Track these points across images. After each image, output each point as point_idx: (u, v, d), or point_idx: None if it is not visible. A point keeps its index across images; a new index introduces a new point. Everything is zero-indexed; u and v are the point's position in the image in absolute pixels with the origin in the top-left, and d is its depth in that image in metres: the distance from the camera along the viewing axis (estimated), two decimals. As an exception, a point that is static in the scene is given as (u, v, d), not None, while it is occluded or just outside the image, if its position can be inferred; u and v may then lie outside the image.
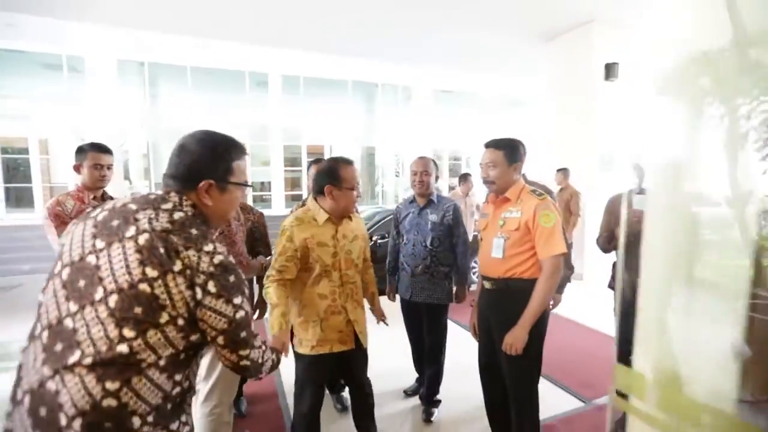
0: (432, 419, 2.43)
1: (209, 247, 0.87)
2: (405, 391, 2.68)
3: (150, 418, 0.81)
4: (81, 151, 2.10)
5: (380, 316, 2.18)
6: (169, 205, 0.90)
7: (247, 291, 0.95)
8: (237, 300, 0.89)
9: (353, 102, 10.18)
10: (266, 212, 2.57)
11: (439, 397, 2.52)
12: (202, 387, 1.88)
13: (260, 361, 0.98)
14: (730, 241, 0.66)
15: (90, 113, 7.36)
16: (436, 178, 2.49)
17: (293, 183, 10.30)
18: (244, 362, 0.95)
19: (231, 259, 0.91)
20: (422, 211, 2.51)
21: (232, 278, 0.89)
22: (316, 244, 1.83)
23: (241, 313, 0.91)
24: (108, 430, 0.76)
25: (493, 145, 1.90)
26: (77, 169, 2.10)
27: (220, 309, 0.86)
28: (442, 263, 2.45)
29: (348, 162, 1.83)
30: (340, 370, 2.06)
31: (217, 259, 0.87)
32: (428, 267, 2.46)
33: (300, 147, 9.97)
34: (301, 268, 1.85)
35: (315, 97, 9.66)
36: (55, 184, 8.45)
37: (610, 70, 5.56)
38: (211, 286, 0.85)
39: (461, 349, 2.66)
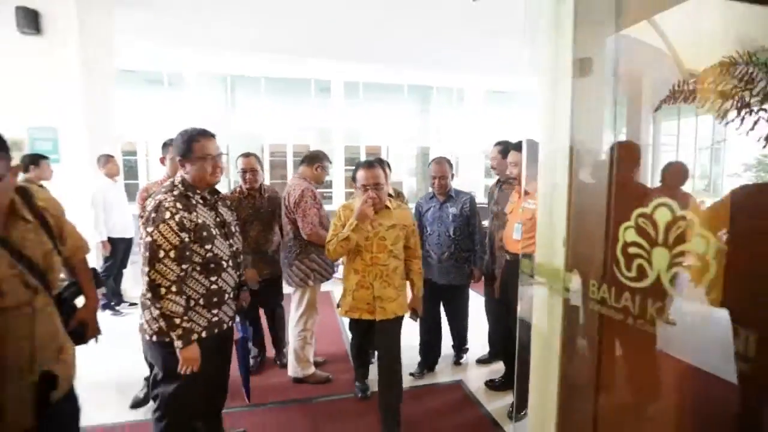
0: (461, 362, 3.24)
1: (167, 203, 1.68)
2: (411, 374, 3.04)
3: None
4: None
5: (411, 307, 2.40)
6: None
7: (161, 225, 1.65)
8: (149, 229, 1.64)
9: (409, 104, 10.71)
10: (327, 207, 3.01)
11: (467, 346, 3.25)
12: (294, 315, 2.72)
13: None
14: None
15: (186, 120, 8.63)
16: (452, 176, 2.92)
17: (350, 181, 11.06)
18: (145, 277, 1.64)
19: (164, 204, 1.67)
20: (443, 206, 2.88)
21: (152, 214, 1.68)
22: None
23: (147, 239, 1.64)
24: None
25: (516, 148, 2.44)
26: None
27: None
28: (463, 249, 2.88)
29: (361, 165, 2.26)
30: (370, 338, 2.44)
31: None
32: (452, 254, 2.86)
33: (359, 147, 10.72)
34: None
35: (373, 101, 10.32)
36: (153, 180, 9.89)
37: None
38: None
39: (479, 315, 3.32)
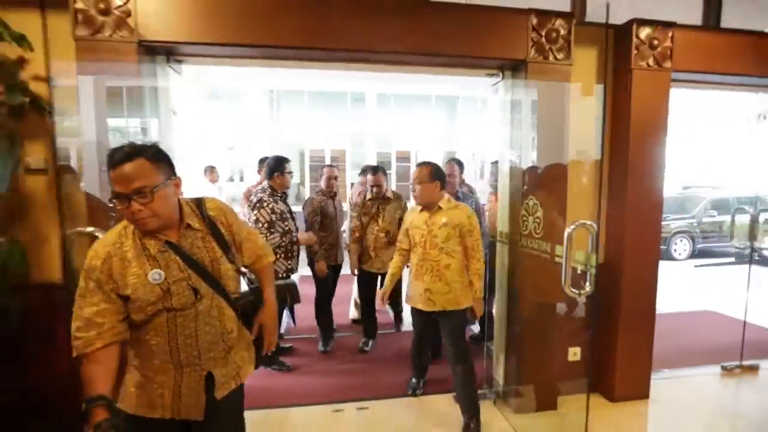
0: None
1: None
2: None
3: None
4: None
5: (471, 310, 2.42)
6: None
7: None
8: None
9: (436, 112, 11.58)
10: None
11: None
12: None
13: None
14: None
15: (242, 129, 9.94)
16: (462, 181, 3.59)
17: (383, 183, 12.00)
18: None
19: None
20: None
21: None
22: (413, 226, 2.47)
23: None
24: None
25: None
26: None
27: None
28: None
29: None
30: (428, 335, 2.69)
31: None
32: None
33: (390, 153, 11.65)
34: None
35: (403, 110, 11.25)
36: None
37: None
38: None
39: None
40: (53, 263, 2.13)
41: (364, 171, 3.88)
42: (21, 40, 1.88)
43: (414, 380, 2.90)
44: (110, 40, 1.99)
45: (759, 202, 6.74)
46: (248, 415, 1.54)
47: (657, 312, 2.76)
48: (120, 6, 1.98)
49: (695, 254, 8.12)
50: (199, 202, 1.36)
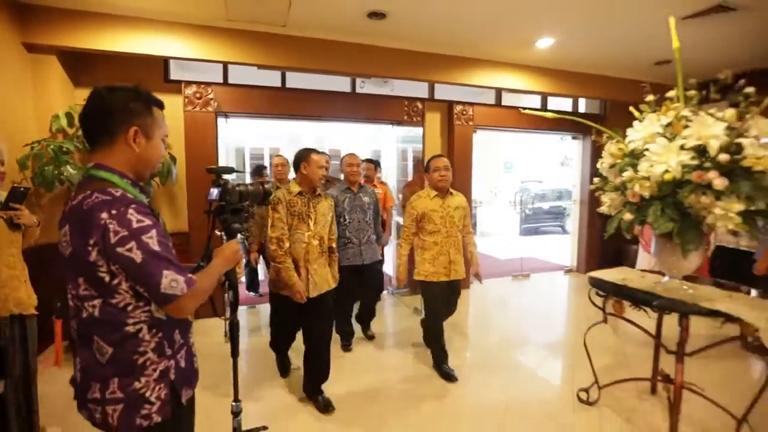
0: (369, 333, 3.69)
1: None
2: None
3: None
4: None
5: (476, 275, 2.94)
6: None
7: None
8: None
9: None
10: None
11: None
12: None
13: None
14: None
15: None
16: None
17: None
18: None
19: None
20: (356, 195, 3.31)
21: None
22: (430, 210, 2.79)
23: None
24: None
25: (374, 162, 5.77)
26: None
27: None
28: (374, 232, 3.43)
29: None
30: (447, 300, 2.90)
31: None
32: (369, 237, 3.32)
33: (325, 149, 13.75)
34: (420, 227, 2.81)
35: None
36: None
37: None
38: None
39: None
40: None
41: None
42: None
43: (446, 365, 2.98)
44: (202, 111, 4.10)
45: (565, 193, 10.19)
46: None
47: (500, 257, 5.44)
48: (207, 96, 4.10)
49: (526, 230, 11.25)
50: None
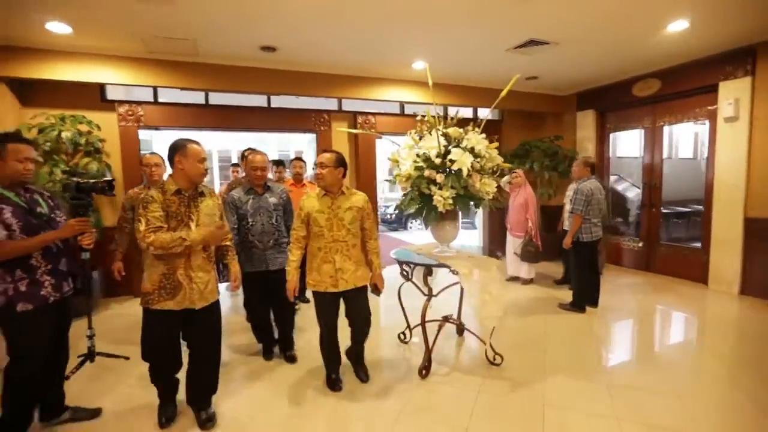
0: (288, 354, 3.16)
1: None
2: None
3: None
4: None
5: (374, 286, 2.61)
6: None
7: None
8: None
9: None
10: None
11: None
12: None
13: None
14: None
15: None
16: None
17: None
18: None
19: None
20: (262, 197, 3.02)
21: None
22: (315, 211, 2.48)
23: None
24: None
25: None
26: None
27: None
28: (284, 236, 3.07)
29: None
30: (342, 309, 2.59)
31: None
32: (276, 240, 3.02)
33: (289, 153, 14.52)
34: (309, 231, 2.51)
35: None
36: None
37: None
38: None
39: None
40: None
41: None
42: (92, 125, 4.75)
43: (333, 375, 2.73)
44: (133, 126, 4.96)
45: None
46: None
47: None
48: (138, 113, 4.95)
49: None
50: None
